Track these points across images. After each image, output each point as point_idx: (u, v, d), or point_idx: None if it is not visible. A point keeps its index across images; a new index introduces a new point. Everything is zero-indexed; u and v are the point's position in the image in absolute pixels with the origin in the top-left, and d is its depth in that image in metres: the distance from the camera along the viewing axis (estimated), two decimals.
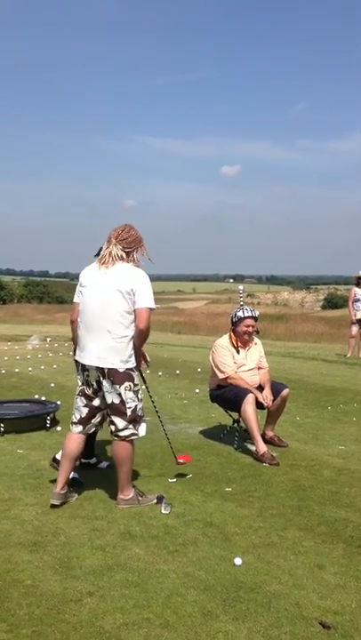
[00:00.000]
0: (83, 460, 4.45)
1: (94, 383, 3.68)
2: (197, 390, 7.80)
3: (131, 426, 3.66)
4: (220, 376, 5.11)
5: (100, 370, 3.62)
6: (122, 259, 3.68)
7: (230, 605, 2.57)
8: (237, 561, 2.95)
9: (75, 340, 3.91)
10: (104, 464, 4.54)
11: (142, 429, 3.75)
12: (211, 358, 5.27)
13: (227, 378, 5.07)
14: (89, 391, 3.72)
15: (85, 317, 3.69)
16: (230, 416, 5.41)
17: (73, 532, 3.32)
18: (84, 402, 3.75)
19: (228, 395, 5.08)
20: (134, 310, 3.61)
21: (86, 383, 3.72)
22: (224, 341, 5.21)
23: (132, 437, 3.69)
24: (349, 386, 8.44)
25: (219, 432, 5.57)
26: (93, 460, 4.55)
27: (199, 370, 9.47)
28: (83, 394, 3.75)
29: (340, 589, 2.73)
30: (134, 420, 3.67)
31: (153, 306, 3.63)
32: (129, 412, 3.64)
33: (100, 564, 2.94)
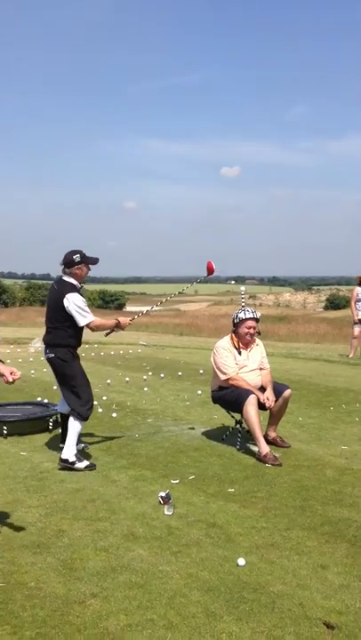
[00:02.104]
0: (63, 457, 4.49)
1: None
2: (200, 392, 7.80)
3: None
4: (222, 377, 5.11)
5: None
6: None
7: (234, 606, 2.58)
8: (241, 561, 2.95)
9: None
10: (84, 463, 4.51)
11: None
12: (212, 360, 5.27)
13: (228, 379, 5.07)
14: None
15: None
16: (232, 417, 5.41)
17: (76, 533, 3.33)
18: None
19: (229, 396, 5.07)
20: None
21: None
22: (225, 343, 5.21)
23: None
24: (352, 386, 8.43)
25: (221, 433, 5.57)
26: (73, 459, 4.49)
27: (201, 371, 9.47)
28: None
29: (343, 589, 2.73)
30: None
31: None
32: None
33: (104, 566, 2.94)
